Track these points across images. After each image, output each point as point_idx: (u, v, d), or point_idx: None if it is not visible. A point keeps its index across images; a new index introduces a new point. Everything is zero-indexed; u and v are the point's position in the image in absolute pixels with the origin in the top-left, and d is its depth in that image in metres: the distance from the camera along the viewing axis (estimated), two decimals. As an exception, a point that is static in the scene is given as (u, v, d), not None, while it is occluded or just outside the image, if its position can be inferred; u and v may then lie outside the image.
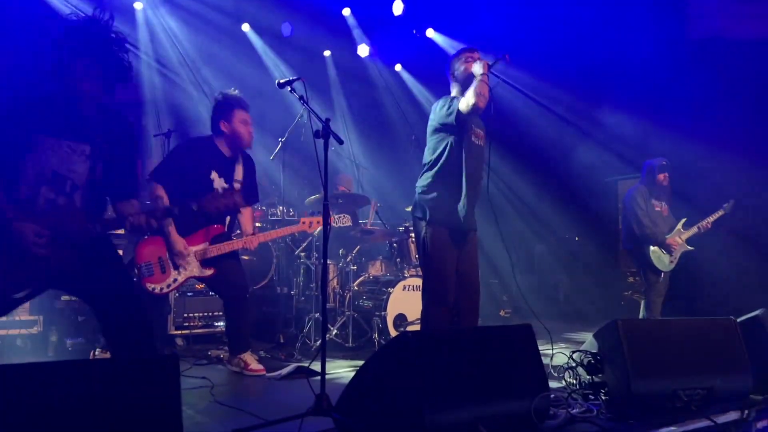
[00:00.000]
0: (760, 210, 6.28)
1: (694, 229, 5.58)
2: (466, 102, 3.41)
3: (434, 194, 3.62)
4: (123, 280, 2.74)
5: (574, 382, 3.18)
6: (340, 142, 2.99)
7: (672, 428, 2.71)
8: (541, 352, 2.72)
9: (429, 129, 3.76)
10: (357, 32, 8.29)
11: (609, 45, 7.35)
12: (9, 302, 2.55)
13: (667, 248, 5.42)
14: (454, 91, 3.78)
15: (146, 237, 3.78)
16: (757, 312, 3.57)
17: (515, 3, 7.58)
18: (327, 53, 8.49)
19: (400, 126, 8.91)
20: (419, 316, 5.11)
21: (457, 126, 3.55)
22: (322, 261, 3.08)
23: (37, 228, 2.42)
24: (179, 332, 5.30)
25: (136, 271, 3.71)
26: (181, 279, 3.82)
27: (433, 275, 3.59)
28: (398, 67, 9.03)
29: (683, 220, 5.62)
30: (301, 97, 3.18)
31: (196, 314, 5.49)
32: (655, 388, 2.86)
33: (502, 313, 8.03)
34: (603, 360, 3.00)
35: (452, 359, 2.41)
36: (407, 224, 5.77)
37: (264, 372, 4.01)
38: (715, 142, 6.52)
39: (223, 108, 3.86)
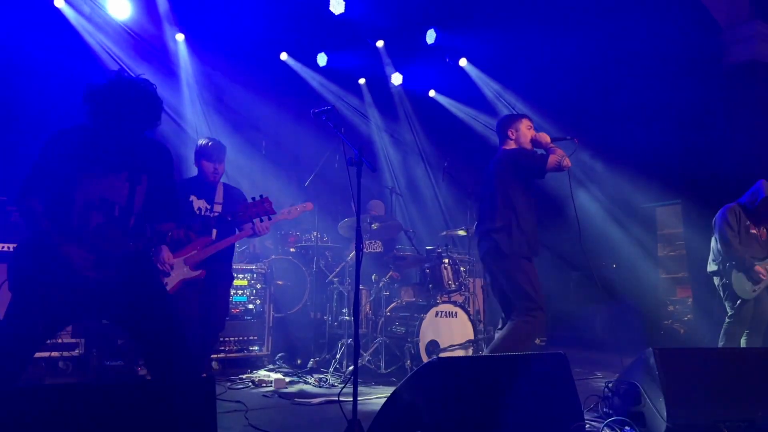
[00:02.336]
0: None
1: None
2: (557, 159, 3.96)
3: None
4: (164, 301, 2.83)
5: (611, 411, 3.13)
6: (373, 170, 3.05)
7: (712, 461, 2.64)
8: (577, 379, 2.68)
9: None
10: (390, 62, 8.44)
11: (642, 72, 7.32)
12: (56, 325, 2.67)
13: (753, 275, 5.02)
14: (509, 145, 4.24)
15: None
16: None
17: (543, 36, 7.64)
18: (362, 81, 8.63)
19: (433, 153, 8.96)
20: (452, 343, 5.14)
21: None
22: (354, 286, 3.11)
23: (83, 251, 2.56)
24: (215, 356, 5.37)
25: None
26: (172, 283, 4.01)
27: None
28: (432, 93, 9.11)
29: None
30: (335, 126, 3.25)
31: (231, 338, 5.57)
32: (693, 419, 2.79)
33: (537, 341, 7.90)
34: (640, 389, 2.95)
35: (485, 387, 2.40)
36: (439, 250, 5.77)
37: None
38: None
39: (195, 154, 4.38)
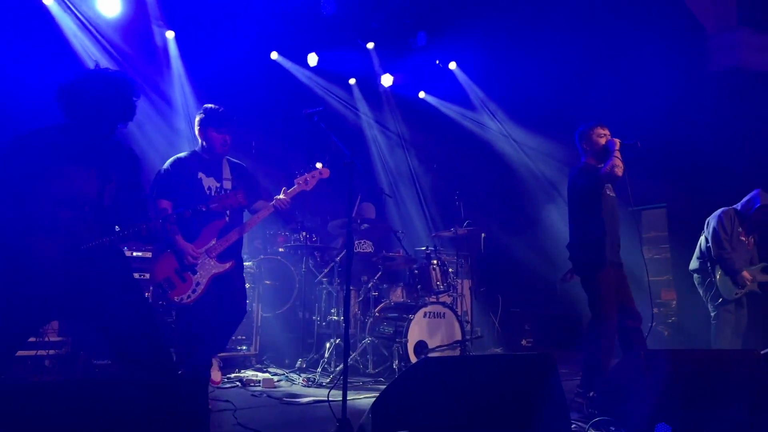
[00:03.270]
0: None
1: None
2: (612, 167, 4.13)
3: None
4: (137, 297, 2.87)
5: (596, 412, 3.18)
6: (364, 172, 3.08)
7: (695, 461, 2.68)
8: (564, 380, 2.72)
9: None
10: (380, 63, 8.47)
11: (627, 78, 7.39)
12: (29, 322, 2.70)
13: (738, 280, 5.17)
14: (585, 158, 4.44)
15: (157, 256, 3.94)
16: (782, 345, 3.53)
17: (530, 41, 7.72)
18: (352, 81, 8.64)
19: (423, 155, 9.00)
20: (440, 343, 5.18)
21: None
22: (344, 286, 3.13)
23: (52, 245, 2.64)
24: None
25: (159, 290, 3.82)
26: (204, 281, 3.86)
27: None
28: (422, 94, 9.15)
29: (764, 264, 5.34)
30: (326, 127, 3.28)
31: (219, 337, 5.56)
32: (678, 420, 2.84)
33: (524, 342, 7.98)
34: (626, 391, 3.00)
35: (472, 387, 2.43)
36: (428, 251, 5.80)
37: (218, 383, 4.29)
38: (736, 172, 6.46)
39: (201, 123, 4.07)
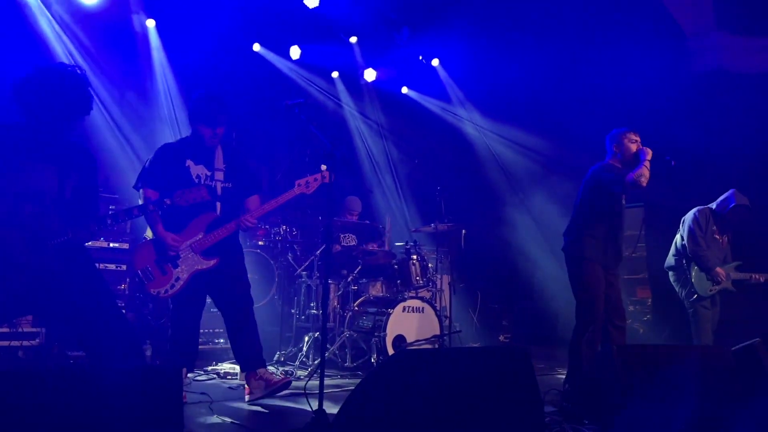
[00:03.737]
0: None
1: (744, 275, 5.41)
2: (637, 176, 4.13)
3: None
4: (101, 291, 2.87)
5: (570, 406, 3.22)
6: (347, 164, 3.07)
7: (665, 454, 2.73)
8: (539, 375, 2.75)
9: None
10: (363, 57, 8.45)
11: (608, 78, 7.47)
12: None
13: (712, 276, 5.27)
14: (611, 159, 4.48)
15: (139, 245, 3.83)
16: (752, 341, 3.59)
17: (514, 41, 7.78)
18: (335, 74, 8.61)
19: (404, 150, 9.01)
20: (418, 338, 5.20)
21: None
22: (323, 280, 3.12)
23: (15, 239, 2.65)
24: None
25: (137, 279, 3.72)
26: (184, 276, 3.71)
27: None
28: (405, 89, 9.15)
29: (738, 262, 5.46)
30: (307, 119, 3.27)
31: (196, 330, 5.52)
32: (649, 414, 2.88)
33: (501, 338, 8.04)
34: (599, 385, 3.04)
35: (449, 379, 2.45)
36: (408, 246, 5.82)
37: (290, 380, 3.82)
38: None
39: (191, 113, 3.90)
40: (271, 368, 5.13)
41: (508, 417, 2.53)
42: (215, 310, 5.65)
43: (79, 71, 2.86)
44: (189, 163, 3.82)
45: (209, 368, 5.07)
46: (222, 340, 5.68)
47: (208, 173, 3.85)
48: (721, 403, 3.08)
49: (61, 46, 6.32)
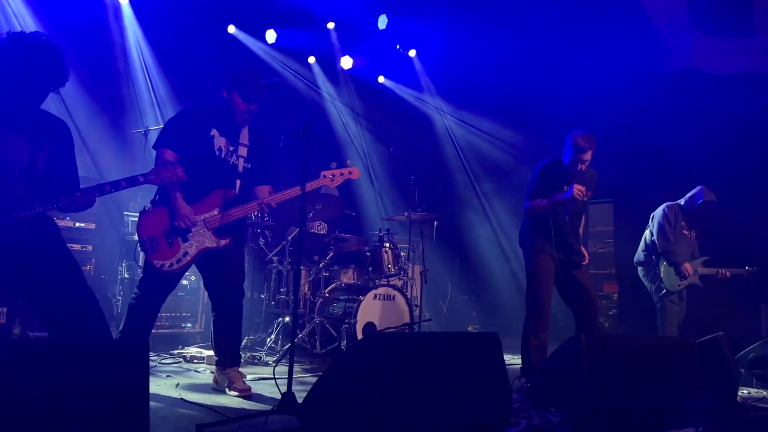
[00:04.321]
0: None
1: (711, 270, 5.52)
2: (531, 207, 4.31)
3: None
4: (71, 266, 2.78)
5: (537, 393, 3.25)
6: (321, 144, 3.03)
7: (629, 441, 2.77)
8: (509, 363, 2.77)
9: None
10: (340, 44, 8.38)
11: (580, 74, 7.54)
12: None
13: (680, 272, 5.37)
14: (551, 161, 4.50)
15: (149, 209, 3.47)
16: (716, 334, 3.68)
17: (489, 35, 7.80)
18: (312, 60, 8.52)
19: (379, 138, 8.98)
20: (388, 325, 5.19)
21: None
22: (294, 264, 3.08)
23: None
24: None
25: (140, 247, 3.43)
26: (193, 252, 3.47)
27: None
28: (381, 79, 9.12)
29: (705, 258, 5.57)
30: (282, 99, 3.21)
31: (163, 314, 5.42)
32: (614, 402, 2.93)
33: (470, 328, 8.10)
34: (566, 373, 3.07)
35: (419, 362, 2.44)
36: (381, 234, 5.81)
37: (249, 392, 3.54)
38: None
39: (228, 78, 3.66)
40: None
41: (477, 400, 2.53)
42: (183, 293, 5.62)
43: (54, 42, 2.74)
44: (214, 132, 3.60)
45: (175, 352, 4.99)
46: (189, 325, 5.60)
47: (231, 148, 3.64)
48: (685, 392, 3.15)
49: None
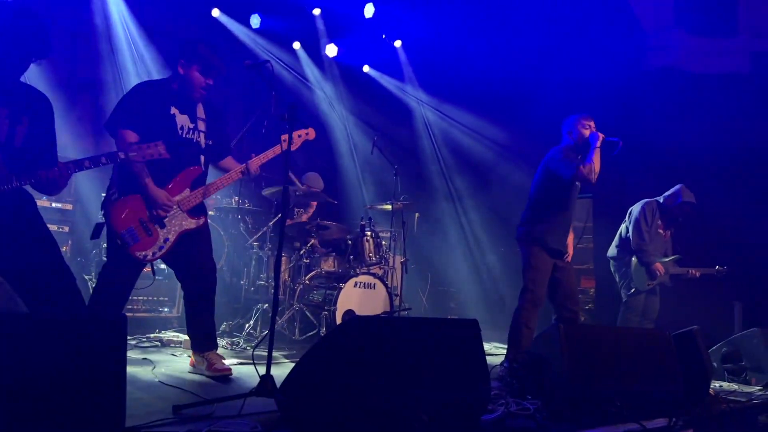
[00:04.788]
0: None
1: (682, 270, 5.58)
2: (587, 172, 4.21)
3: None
4: (49, 243, 2.72)
5: (514, 381, 3.28)
6: (306, 127, 3.00)
7: (604, 429, 2.81)
8: (489, 354, 2.78)
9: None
10: (325, 31, 8.31)
11: (564, 69, 7.58)
12: None
13: (651, 271, 5.40)
14: (564, 144, 4.50)
15: (117, 200, 3.33)
16: (691, 328, 3.74)
17: (474, 28, 7.81)
18: (296, 45, 8.43)
19: (363, 126, 8.95)
20: (368, 313, 5.19)
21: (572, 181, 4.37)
22: (276, 250, 3.03)
23: None
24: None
25: (119, 241, 3.26)
26: (172, 237, 3.38)
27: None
28: (366, 68, 9.07)
29: (677, 257, 5.61)
30: (268, 81, 3.17)
31: (140, 297, 5.38)
32: (590, 390, 2.97)
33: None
34: (543, 362, 3.09)
35: (399, 346, 2.44)
36: (363, 222, 5.79)
37: (230, 372, 3.51)
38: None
39: (186, 52, 3.50)
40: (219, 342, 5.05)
41: (455, 386, 2.54)
42: (161, 277, 5.55)
43: (36, 9, 2.66)
44: (174, 110, 3.47)
45: (152, 336, 4.94)
46: (166, 309, 5.55)
47: (191, 125, 3.53)
48: (660, 383, 3.20)
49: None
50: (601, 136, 4.31)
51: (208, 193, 3.54)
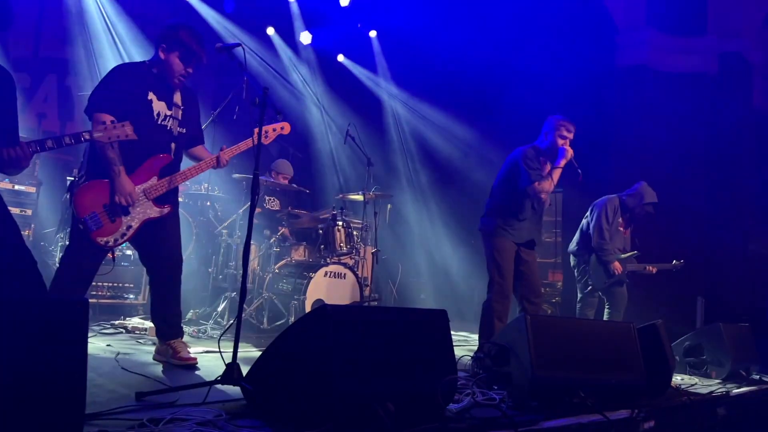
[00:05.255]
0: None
1: (639, 266, 5.64)
2: (539, 191, 4.29)
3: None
4: (8, 226, 2.64)
5: (481, 372, 3.30)
6: (278, 113, 2.96)
7: (568, 420, 2.84)
8: (458, 345, 2.79)
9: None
10: (300, 19, 8.23)
11: (536, 64, 7.63)
12: None
13: (608, 270, 5.43)
14: (538, 142, 4.56)
15: (83, 184, 3.26)
16: (655, 321, 3.81)
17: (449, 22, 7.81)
18: (270, 31, 8.32)
19: (336, 116, 8.90)
20: (338, 303, 5.17)
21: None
22: (245, 237, 2.99)
23: None
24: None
25: (81, 226, 3.21)
26: (135, 225, 3.32)
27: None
28: (341, 57, 9.01)
29: (635, 252, 5.66)
30: (240, 64, 3.11)
31: (105, 283, 5.27)
32: (555, 381, 3.00)
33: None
34: (510, 352, 3.12)
35: (367, 335, 2.43)
36: (334, 212, 5.76)
37: (195, 362, 3.46)
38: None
39: (167, 37, 3.40)
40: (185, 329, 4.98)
41: (423, 376, 2.54)
42: (126, 263, 5.45)
43: None
44: (152, 96, 3.39)
45: (116, 323, 4.84)
46: (132, 296, 5.45)
47: (169, 112, 3.46)
48: (623, 375, 3.25)
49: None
50: (569, 153, 4.34)
51: (175, 183, 3.47)
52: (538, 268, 4.63)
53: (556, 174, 4.32)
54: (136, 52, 6.65)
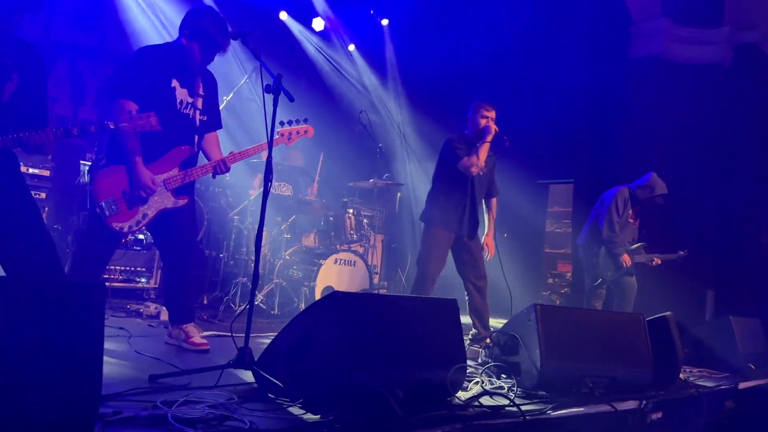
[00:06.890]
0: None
1: (646, 258, 5.63)
2: (467, 165, 4.33)
3: None
4: (30, 209, 2.66)
5: (490, 361, 3.32)
6: (291, 99, 2.96)
7: (576, 409, 2.86)
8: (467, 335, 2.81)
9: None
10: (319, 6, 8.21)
11: (547, 57, 7.58)
12: None
13: (618, 263, 5.40)
14: (467, 129, 4.63)
15: (105, 167, 3.23)
16: (665, 314, 3.81)
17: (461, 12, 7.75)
18: (283, 15, 8.28)
19: (349, 103, 8.88)
20: (348, 290, 5.20)
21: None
22: (257, 224, 2.99)
23: None
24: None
25: (98, 210, 3.19)
26: (152, 213, 3.31)
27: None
28: (352, 47, 8.98)
29: (643, 244, 5.64)
30: (253, 51, 3.10)
31: (117, 267, 5.32)
32: (564, 371, 3.02)
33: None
34: (519, 341, 3.14)
35: (379, 322, 2.46)
36: (345, 200, 5.78)
37: (207, 347, 3.46)
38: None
39: (190, 24, 3.34)
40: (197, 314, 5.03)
41: (433, 363, 2.57)
42: (139, 248, 5.50)
43: None
44: (175, 83, 3.33)
45: (129, 306, 4.90)
46: (144, 280, 5.50)
47: (190, 100, 3.40)
48: (632, 365, 3.26)
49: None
50: (493, 129, 4.40)
51: (189, 178, 3.42)
52: (482, 256, 4.66)
53: (483, 149, 4.35)
54: (154, 35, 6.64)
